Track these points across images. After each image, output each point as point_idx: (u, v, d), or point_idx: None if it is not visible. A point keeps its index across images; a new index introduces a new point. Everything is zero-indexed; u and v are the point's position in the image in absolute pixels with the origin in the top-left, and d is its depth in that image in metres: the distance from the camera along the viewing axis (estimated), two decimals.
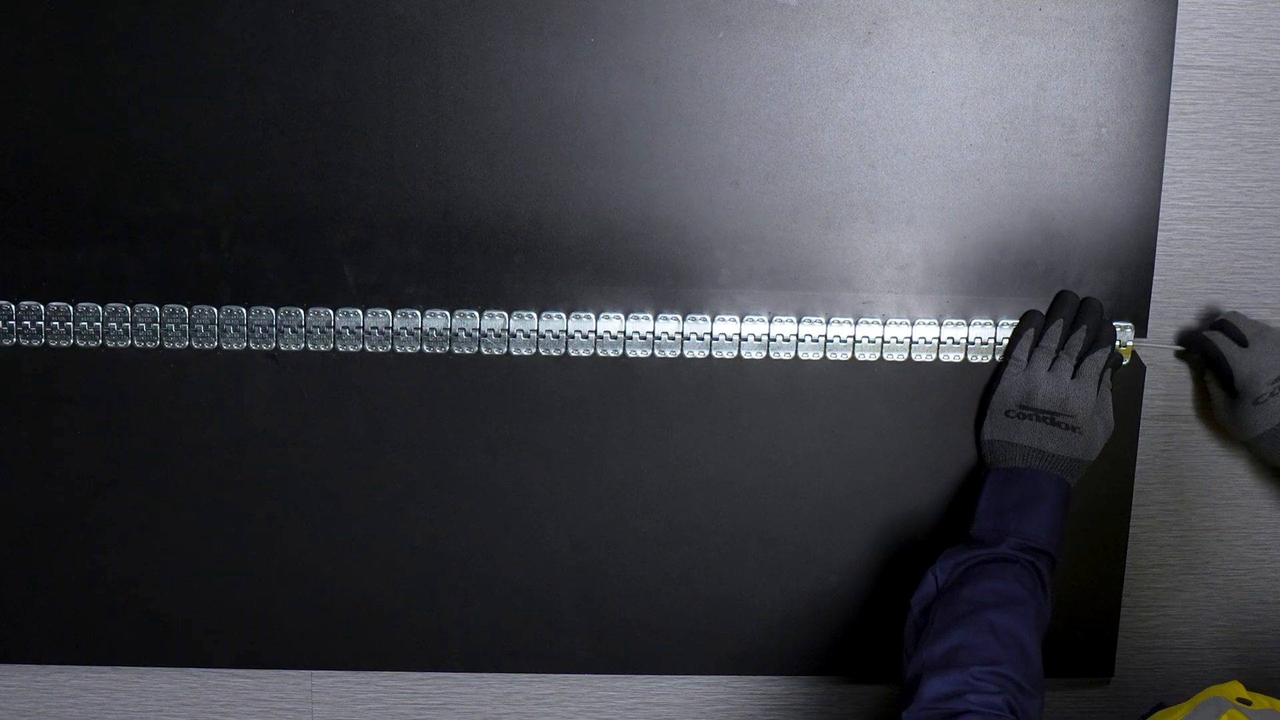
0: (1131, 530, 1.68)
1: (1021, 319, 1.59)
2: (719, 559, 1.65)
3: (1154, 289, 1.63)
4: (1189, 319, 1.67)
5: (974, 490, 1.59)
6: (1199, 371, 1.67)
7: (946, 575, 1.50)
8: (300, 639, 1.66)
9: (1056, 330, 1.57)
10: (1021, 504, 1.54)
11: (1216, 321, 1.63)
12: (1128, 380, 1.62)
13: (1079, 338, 1.57)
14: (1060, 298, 1.59)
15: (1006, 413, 1.58)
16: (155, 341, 1.57)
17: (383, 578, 1.64)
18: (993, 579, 1.47)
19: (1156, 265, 1.63)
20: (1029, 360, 1.58)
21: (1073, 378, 1.56)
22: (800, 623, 1.67)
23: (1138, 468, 1.67)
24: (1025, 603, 1.45)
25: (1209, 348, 1.61)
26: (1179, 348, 1.66)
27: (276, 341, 1.57)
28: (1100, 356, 1.56)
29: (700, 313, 1.59)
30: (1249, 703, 1.22)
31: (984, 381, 1.61)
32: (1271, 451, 1.60)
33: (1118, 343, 1.60)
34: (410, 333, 1.58)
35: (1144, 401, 1.64)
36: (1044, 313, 1.60)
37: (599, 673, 1.72)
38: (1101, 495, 1.65)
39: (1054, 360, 1.57)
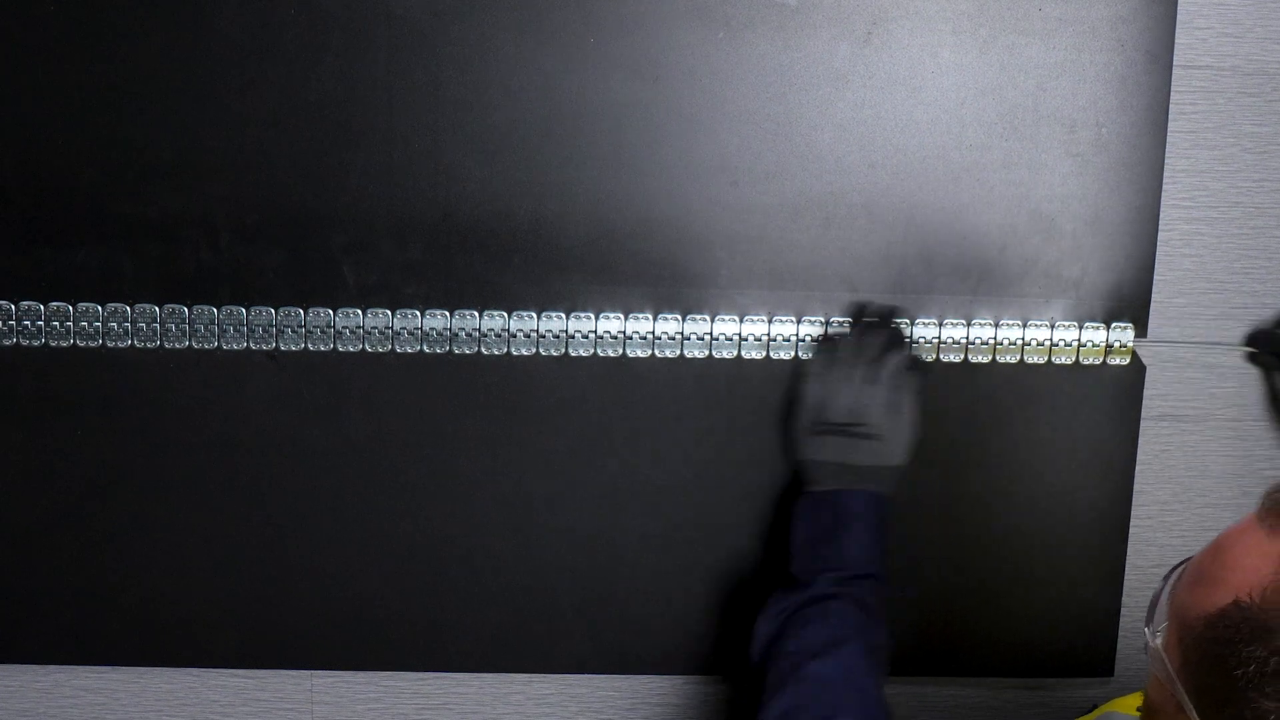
0: (1131, 530, 1.68)
1: (819, 333, 1.58)
2: (719, 559, 1.65)
3: (1154, 289, 1.63)
4: (1190, 319, 1.67)
5: (788, 521, 1.57)
6: (1267, 370, 1.67)
7: (769, 627, 1.48)
8: (300, 639, 1.66)
9: (850, 340, 1.56)
10: (833, 531, 1.51)
11: None
12: (1128, 381, 1.63)
13: (872, 345, 1.55)
14: (854, 307, 1.58)
15: (807, 430, 1.56)
16: (155, 342, 1.57)
17: (383, 578, 1.64)
18: (813, 624, 1.45)
19: (1156, 265, 1.63)
20: (825, 375, 1.56)
21: (870, 385, 1.55)
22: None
23: (1138, 468, 1.67)
24: (849, 640, 1.43)
25: (1276, 339, 1.61)
26: (1250, 349, 1.65)
27: (276, 342, 1.57)
28: (896, 361, 1.55)
29: (700, 313, 1.59)
30: None
31: (980, 382, 1.61)
32: None
33: (908, 339, 1.59)
34: (410, 333, 1.58)
35: (1144, 402, 1.64)
36: (839, 324, 1.59)
37: (599, 673, 1.72)
38: (1101, 495, 1.65)
39: (849, 371, 1.55)
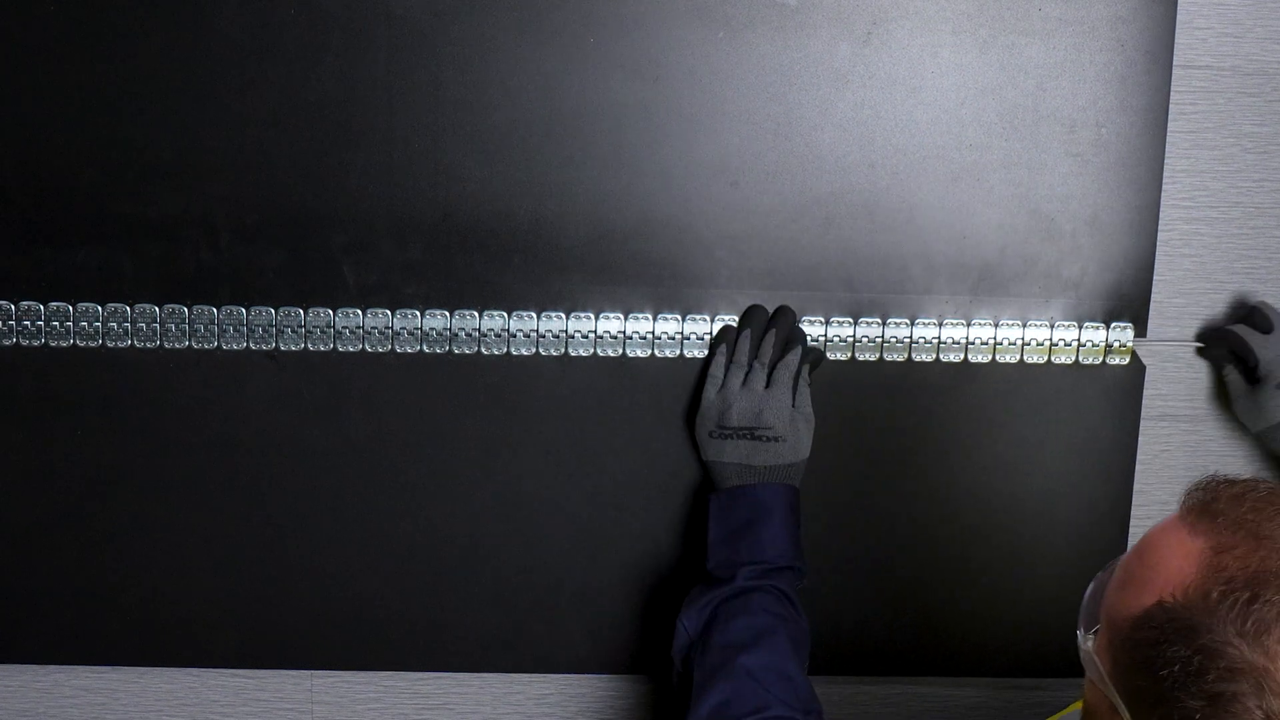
0: (1131, 530, 1.67)
1: (715, 336, 1.58)
2: None
3: (1154, 289, 1.63)
4: (1189, 318, 1.67)
5: (702, 518, 1.58)
6: (1217, 367, 1.67)
7: (694, 623, 1.50)
8: (300, 639, 1.66)
9: (745, 343, 1.56)
10: (749, 525, 1.53)
11: (1244, 311, 1.64)
12: (1127, 381, 1.63)
13: (770, 346, 1.56)
14: (749, 311, 1.58)
15: (710, 434, 1.56)
16: (155, 341, 1.57)
17: (383, 578, 1.64)
18: (738, 617, 1.47)
19: (1156, 265, 1.63)
20: (724, 377, 1.57)
21: (767, 387, 1.55)
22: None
23: (1138, 468, 1.67)
24: (776, 630, 1.46)
25: (1233, 337, 1.61)
26: (1199, 344, 1.66)
27: (276, 342, 1.57)
28: (792, 360, 1.55)
29: (700, 313, 1.59)
30: None
31: (980, 381, 1.61)
32: None
33: (810, 340, 1.59)
34: (410, 333, 1.58)
35: (1144, 402, 1.64)
36: (735, 327, 1.59)
37: (599, 673, 1.72)
38: (1101, 495, 1.65)
39: (747, 374, 1.56)
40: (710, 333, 1.58)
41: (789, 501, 1.54)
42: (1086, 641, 1.11)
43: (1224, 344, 1.63)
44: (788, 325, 1.57)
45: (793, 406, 1.55)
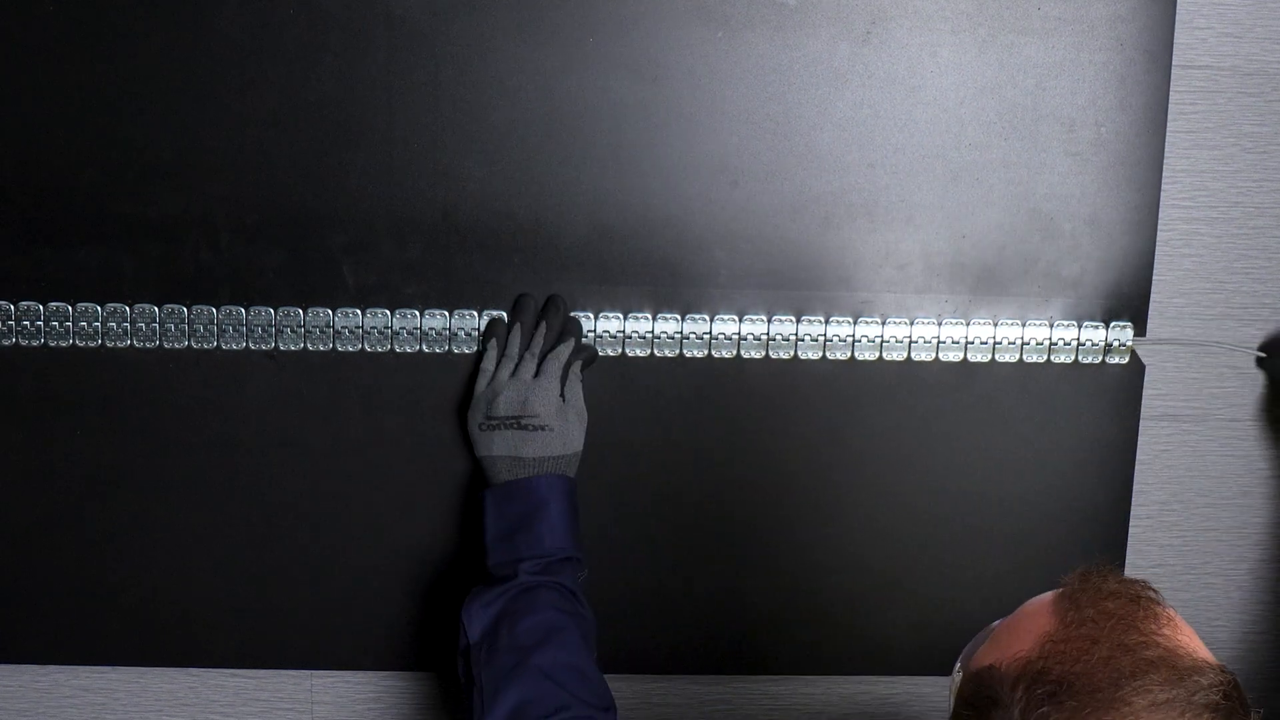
0: (1131, 530, 1.68)
1: (485, 328, 1.58)
2: (717, 558, 1.65)
3: (1154, 289, 1.63)
4: (1189, 318, 1.67)
5: (479, 515, 1.57)
6: (1274, 375, 1.67)
7: (478, 626, 1.48)
8: (300, 639, 1.66)
9: (516, 335, 1.56)
10: (526, 520, 1.52)
11: None
12: (1127, 381, 1.62)
13: (541, 337, 1.56)
14: (520, 302, 1.58)
15: (480, 426, 1.56)
16: (154, 341, 1.57)
17: (383, 578, 1.64)
18: (526, 616, 1.46)
19: (1157, 265, 1.63)
20: (495, 370, 1.57)
21: (535, 376, 1.55)
22: (798, 621, 1.67)
23: (1137, 468, 1.67)
24: (565, 626, 1.45)
25: None
26: (1261, 354, 1.66)
27: (275, 341, 1.57)
28: (562, 351, 1.55)
29: (699, 312, 1.59)
30: None
31: (979, 381, 1.61)
32: None
33: (585, 334, 1.58)
34: (409, 333, 1.58)
35: (1144, 401, 1.64)
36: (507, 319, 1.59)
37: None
38: (1101, 495, 1.65)
39: (517, 364, 1.56)
40: (709, 332, 1.58)
41: (564, 491, 1.53)
42: (955, 677, 1.12)
43: None
44: (560, 317, 1.57)
45: (562, 398, 1.55)
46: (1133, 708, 0.96)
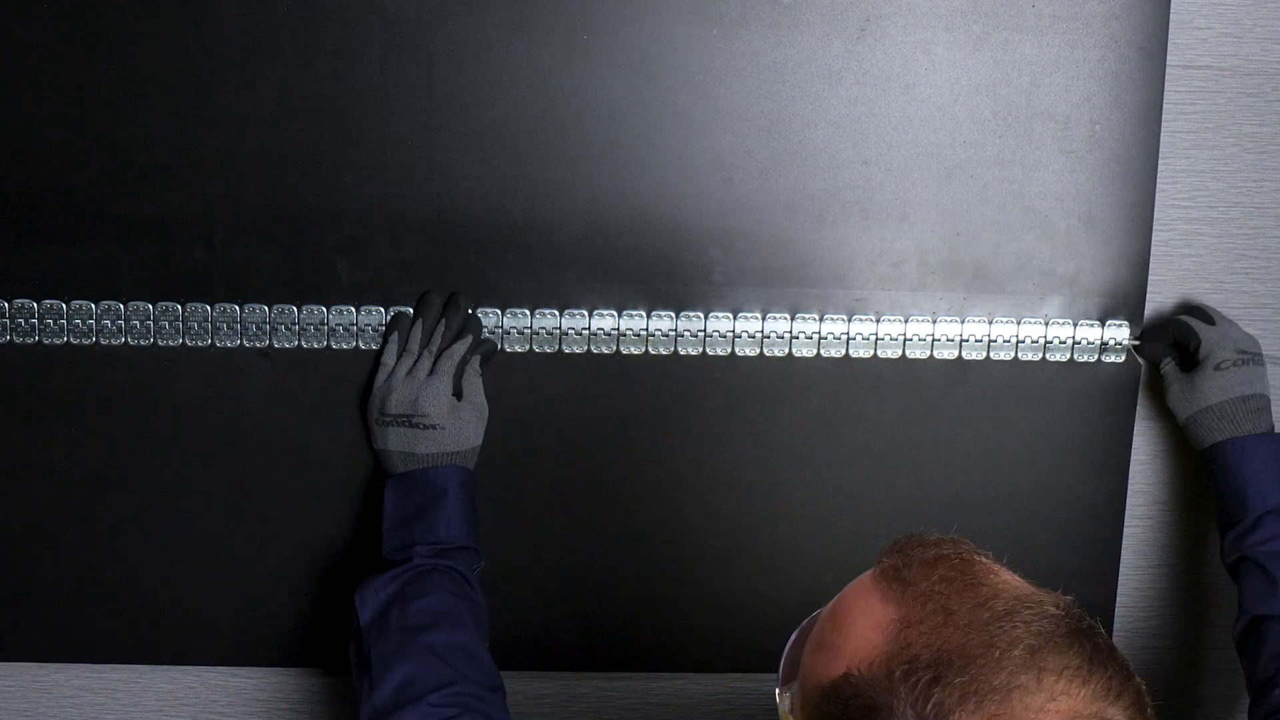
0: (1129, 530, 1.67)
1: (389, 322, 1.58)
2: (714, 556, 1.65)
3: (1154, 289, 1.63)
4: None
5: (378, 506, 1.58)
6: (1154, 362, 1.65)
7: (370, 609, 1.48)
8: (299, 639, 1.66)
9: (417, 331, 1.56)
10: (424, 508, 1.53)
11: (1186, 309, 1.65)
12: (1124, 380, 1.62)
13: (440, 334, 1.56)
14: (423, 299, 1.58)
15: (375, 421, 1.56)
16: (149, 339, 1.57)
17: None
18: (416, 600, 1.46)
19: (1157, 265, 1.63)
20: (393, 366, 1.57)
21: (430, 374, 1.55)
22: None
23: (1134, 468, 1.66)
24: (456, 609, 1.46)
25: (1175, 323, 1.61)
26: (1134, 341, 1.63)
27: (270, 339, 1.58)
28: (458, 349, 1.55)
29: (694, 310, 1.59)
30: None
31: (975, 379, 1.61)
32: (1210, 429, 1.59)
33: (485, 330, 1.58)
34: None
35: (1141, 401, 1.64)
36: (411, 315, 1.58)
37: (599, 672, 1.72)
38: (1096, 494, 1.64)
39: (415, 361, 1.56)
40: (704, 330, 1.58)
41: (462, 482, 1.54)
42: (784, 701, 1.07)
43: (1166, 332, 1.62)
44: (459, 315, 1.57)
45: (456, 395, 1.55)
46: (1016, 661, 0.93)
